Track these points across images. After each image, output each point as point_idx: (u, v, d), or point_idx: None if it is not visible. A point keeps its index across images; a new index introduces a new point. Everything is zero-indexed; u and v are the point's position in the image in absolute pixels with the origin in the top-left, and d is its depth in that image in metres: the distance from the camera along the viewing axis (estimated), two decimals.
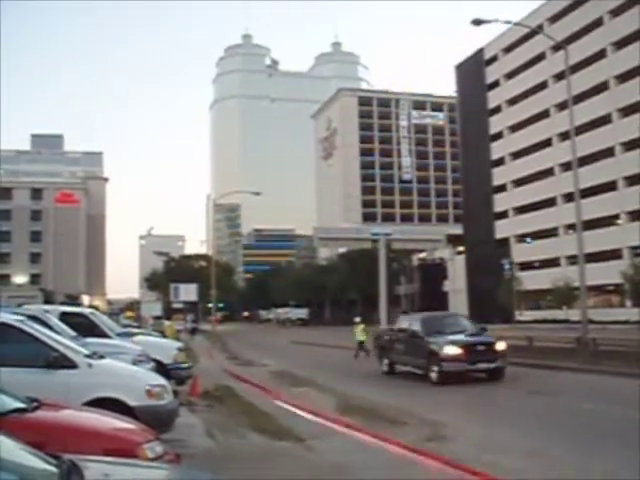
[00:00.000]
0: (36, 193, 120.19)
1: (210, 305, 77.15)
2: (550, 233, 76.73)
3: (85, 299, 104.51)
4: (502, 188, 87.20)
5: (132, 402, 7.95)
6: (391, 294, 68.82)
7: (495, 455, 9.27)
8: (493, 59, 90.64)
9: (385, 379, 21.77)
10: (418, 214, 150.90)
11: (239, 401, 15.67)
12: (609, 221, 68.43)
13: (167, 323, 45.20)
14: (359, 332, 32.57)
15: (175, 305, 74.91)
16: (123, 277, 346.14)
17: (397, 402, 15.22)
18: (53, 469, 3.30)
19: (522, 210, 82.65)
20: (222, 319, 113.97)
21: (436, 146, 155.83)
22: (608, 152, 69.16)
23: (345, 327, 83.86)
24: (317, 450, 9.94)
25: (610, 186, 68.35)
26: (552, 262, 74.92)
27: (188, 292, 70.54)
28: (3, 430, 3.65)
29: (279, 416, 13.18)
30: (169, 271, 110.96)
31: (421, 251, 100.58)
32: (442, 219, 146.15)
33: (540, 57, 78.15)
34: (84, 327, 14.42)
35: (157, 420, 7.37)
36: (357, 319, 35.20)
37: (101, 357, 9.13)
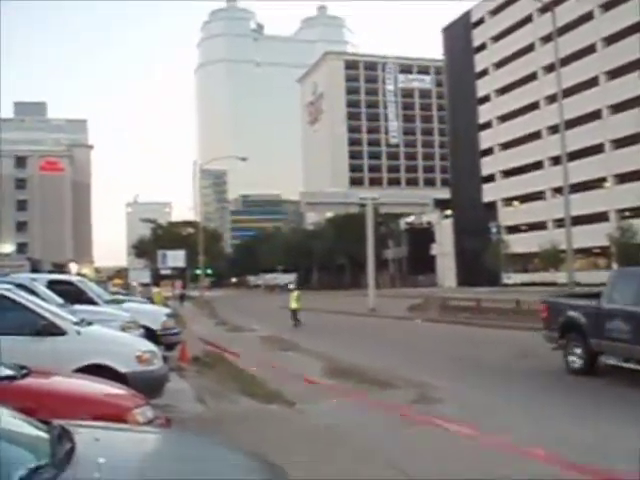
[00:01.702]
0: (20, 161, 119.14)
1: (198, 272, 77.22)
2: (537, 196, 76.89)
3: (73, 267, 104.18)
4: (489, 151, 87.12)
5: (122, 368, 7.97)
6: (379, 258, 69.02)
7: (481, 414, 9.36)
8: (480, 22, 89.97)
9: (590, 385, 12.28)
10: (405, 178, 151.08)
11: (228, 366, 15.75)
12: (596, 184, 68.62)
13: (155, 290, 45.24)
14: (293, 299, 31.36)
15: (163, 272, 74.93)
16: (111, 245, 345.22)
17: None
18: (44, 435, 3.30)
19: (509, 173, 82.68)
20: (210, 285, 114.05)
21: (423, 110, 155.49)
22: (595, 115, 69.08)
23: (334, 292, 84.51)
24: (308, 413, 10.02)
25: (597, 149, 68.41)
26: (539, 225, 75.19)
27: (176, 259, 70.60)
28: None
29: (269, 381, 13.25)
30: (156, 238, 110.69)
31: (409, 215, 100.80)
32: (429, 183, 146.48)
33: (527, 19, 77.63)
34: (72, 295, 14.38)
35: (147, 386, 7.39)
36: (291, 286, 34.07)
37: (89, 324, 9.13)
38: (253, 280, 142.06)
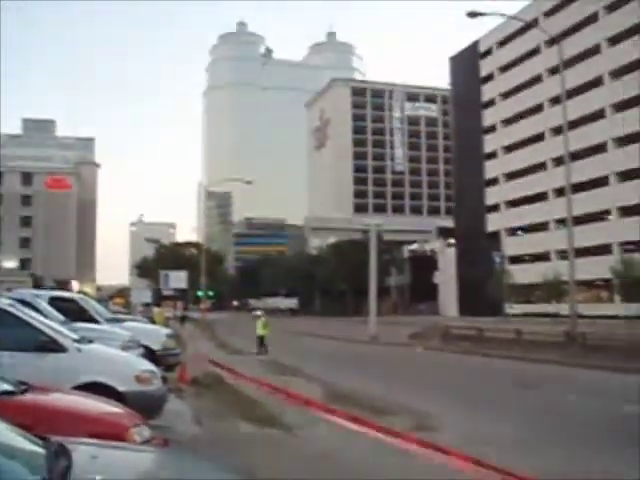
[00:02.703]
0: (27, 177, 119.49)
1: (200, 293, 77.17)
2: (541, 227, 76.96)
3: (75, 285, 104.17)
4: (494, 181, 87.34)
5: (121, 387, 7.97)
6: (381, 285, 68.85)
7: (483, 445, 9.34)
8: (488, 52, 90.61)
9: None
10: (410, 206, 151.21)
11: (228, 389, 15.69)
12: (600, 216, 68.66)
13: (156, 310, 45.23)
14: (260, 326, 30.26)
15: (165, 292, 74.81)
16: (113, 264, 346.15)
17: None
18: (41, 450, 3.31)
19: (514, 204, 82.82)
20: (211, 308, 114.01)
21: (429, 138, 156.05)
22: (601, 147, 69.33)
23: (335, 318, 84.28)
24: (304, 438, 9.99)
25: (602, 181, 68.55)
26: (543, 256, 75.19)
27: (178, 279, 70.31)
28: None
29: (268, 404, 13.21)
30: (159, 258, 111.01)
31: (412, 243, 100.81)
32: (434, 211, 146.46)
33: (535, 51, 78.18)
34: (73, 312, 14.42)
35: (146, 405, 7.39)
36: (258, 312, 33.18)
37: (90, 342, 9.15)
38: (254, 303, 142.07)
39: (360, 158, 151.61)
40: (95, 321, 15.14)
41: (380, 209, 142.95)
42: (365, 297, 54.57)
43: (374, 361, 26.50)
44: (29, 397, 5.39)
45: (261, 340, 29.89)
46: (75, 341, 8.64)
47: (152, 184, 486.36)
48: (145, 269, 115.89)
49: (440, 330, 35.76)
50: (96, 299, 31.05)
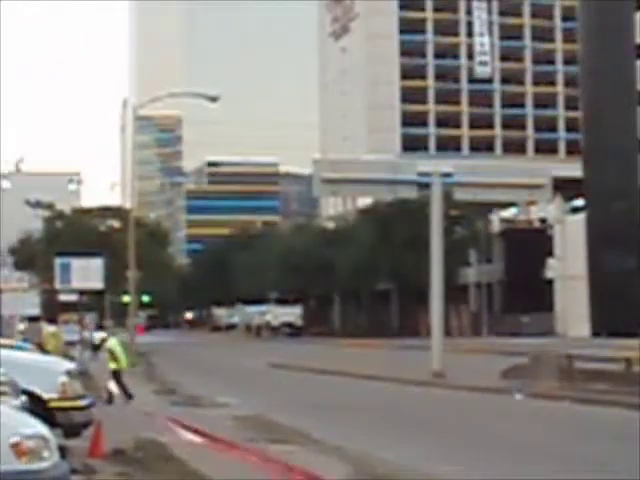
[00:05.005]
0: None
1: (127, 299, 77.33)
2: None
3: None
4: None
5: None
6: (452, 281, 68.80)
7: None
8: None
9: None
10: (503, 139, 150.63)
11: (174, 467, 15.58)
12: None
13: (50, 329, 45.57)
14: (111, 351, 31.48)
15: (64, 297, 75.14)
16: None
17: None
18: None
19: None
20: (148, 324, 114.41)
21: (537, 17, 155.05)
22: None
23: (370, 340, 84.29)
24: None
25: None
26: None
27: (87, 274, 70.35)
28: None
29: None
30: (53, 237, 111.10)
31: (508, 206, 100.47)
32: (546, 149, 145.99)
33: None
34: None
35: None
36: (99, 335, 33.73)
37: None
38: (225, 316, 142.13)
39: (412, 54, 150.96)
40: None
41: (450, 145, 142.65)
42: (422, 304, 54.64)
43: (437, 417, 26.57)
44: None
45: (115, 376, 30.56)
46: None
47: (42, 104, 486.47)
48: (27, 256, 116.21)
49: (557, 362, 35.66)
50: None
